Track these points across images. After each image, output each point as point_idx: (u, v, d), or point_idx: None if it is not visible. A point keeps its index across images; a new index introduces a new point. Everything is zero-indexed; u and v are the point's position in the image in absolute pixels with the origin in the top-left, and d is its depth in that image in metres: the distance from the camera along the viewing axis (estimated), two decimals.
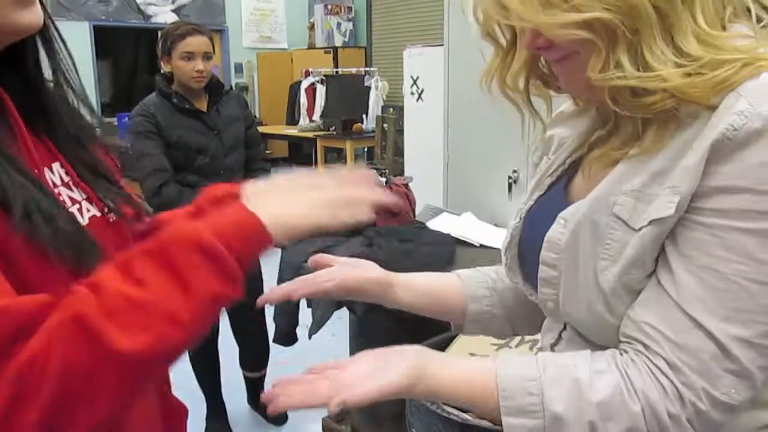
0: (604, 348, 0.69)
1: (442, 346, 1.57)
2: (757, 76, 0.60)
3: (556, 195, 0.81)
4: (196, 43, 2.36)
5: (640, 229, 0.64)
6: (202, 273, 0.56)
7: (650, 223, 0.64)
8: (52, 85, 0.72)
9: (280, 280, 2.50)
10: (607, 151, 0.71)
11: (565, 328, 0.79)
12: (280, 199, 0.65)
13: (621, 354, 0.66)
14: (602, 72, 0.64)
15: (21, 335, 0.51)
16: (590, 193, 0.71)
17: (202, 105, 2.49)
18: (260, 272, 2.59)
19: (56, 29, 0.72)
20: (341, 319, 2.27)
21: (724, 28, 0.65)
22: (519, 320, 0.95)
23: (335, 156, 8.64)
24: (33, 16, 0.63)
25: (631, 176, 0.67)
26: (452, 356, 0.70)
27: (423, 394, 0.68)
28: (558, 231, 0.73)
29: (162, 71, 2.47)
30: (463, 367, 0.69)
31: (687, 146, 0.63)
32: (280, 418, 2.82)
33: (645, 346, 0.64)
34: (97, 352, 0.51)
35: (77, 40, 7.87)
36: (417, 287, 0.92)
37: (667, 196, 0.63)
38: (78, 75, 0.75)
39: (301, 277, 0.87)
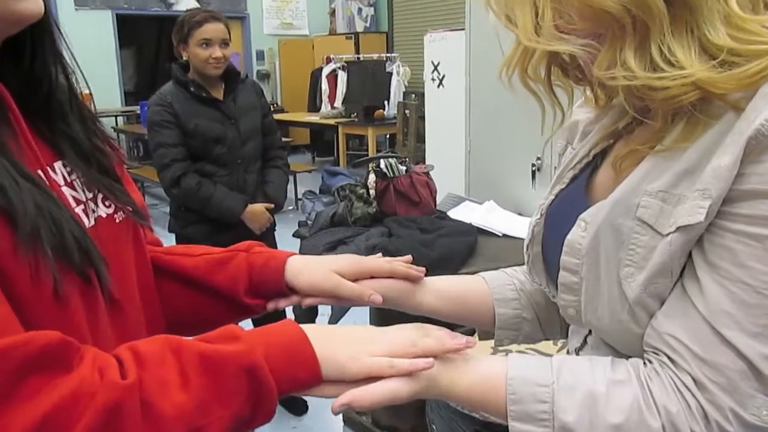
0: (628, 357, 0.65)
1: None
2: None
3: (577, 191, 0.77)
4: (213, 29, 2.34)
5: (667, 235, 0.60)
6: (242, 397, 0.57)
7: (678, 229, 0.59)
8: (53, 79, 0.69)
9: None
10: (634, 146, 0.67)
11: (590, 332, 0.75)
12: (344, 345, 0.64)
13: (645, 364, 0.62)
14: (609, 70, 0.60)
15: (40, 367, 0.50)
16: (611, 193, 0.66)
17: (219, 93, 2.47)
18: None
19: (55, 21, 0.69)
20: (362, 308, 2.24)
21: (765, 7, 0.59)
22: (550, 323, 0.90)
23: (357, 143, 8.62)
24: (32, 5, 0.60)
25: (656, 175, 0.62)
26: (466, 358, 0.67)
27: (436, 398, 0.65)
28: (579, 234, 0.69)
29: (180, 59, 2.46)
30: (476, 371, 0.66)
31: (718, 142, 0.58)
32: (301, 408, 2.82)
33: (671, 359, 0.60)
34: None
35: (100, 29, 7.94)
36: (440, 290, 0.88)
37: (697, 200, 0.58)
38: (80, 68, 0.72)
39: None
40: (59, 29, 0.68)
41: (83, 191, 0.67)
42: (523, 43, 0.63)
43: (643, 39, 0.58)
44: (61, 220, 0.57)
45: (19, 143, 0.61)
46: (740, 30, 0.57)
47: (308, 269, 0.82)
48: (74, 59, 0.71)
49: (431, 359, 0.64)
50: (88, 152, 0.70)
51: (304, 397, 2.84)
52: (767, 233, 0.55)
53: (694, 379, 0.58)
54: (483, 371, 0.66)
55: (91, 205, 0.67)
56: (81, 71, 0.72)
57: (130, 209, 0.73)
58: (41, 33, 0.67)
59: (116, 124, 8.06)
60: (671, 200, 0.60)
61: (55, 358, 0.51)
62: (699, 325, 0.58)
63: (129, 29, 8.85)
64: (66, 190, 0.65)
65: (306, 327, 0.63)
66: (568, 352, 0.83)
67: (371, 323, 2.43)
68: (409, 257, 0.87)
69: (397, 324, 0.70)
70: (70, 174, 0.67)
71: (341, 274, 0.81)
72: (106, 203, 0.70)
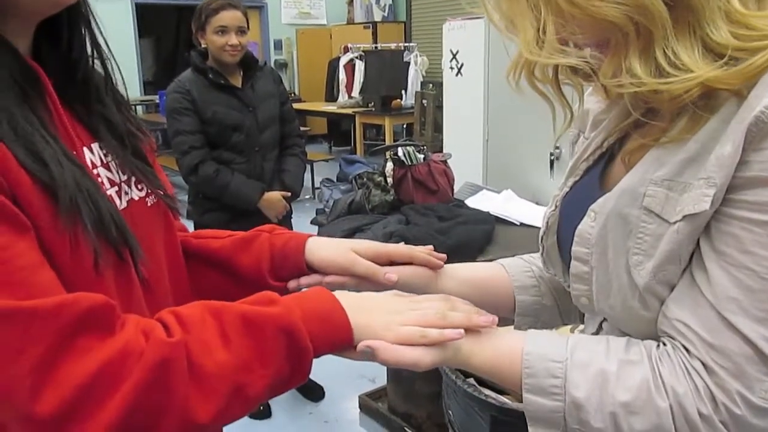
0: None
1: None
2: None
3: (591, 182, 0.77)
4: (229, 17, 2.35)
5: (674, 223, 0.60)
6: (281, 357, 0.59)
7: (684, 218, 0.59)
8: (90, 63, 0.70)
9: None
10: (645, 140, 0.67)
11: (605, 319, 0.75)
12: (376, 315, 0.67)
13: (658, 346, 0.63)
14: (614, 77, 0.60)
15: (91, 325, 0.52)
16: (618, 184, 0.67)
17: (237, 81, 2.48)
18: None
19: (89, 6, 0.70)
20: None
21: None
22: (569, 309, 0.90)
23: (374, 132, 8.61)
24: None
25: (661, 163, 0.62)
26: (486, 330, 0.70)
27: (455, 366, 0.68)
28: (588, 225, 0.69)
29: (199, 47, 2.47)
30: (495, 344, 0.69)
31: (721, 129, 0.58)
32: (318, 394, 2.84)
33: (682, 345, 0.61)
34: (173, 411, 0.53)
35: (119, 18, 7.99)
36: (461, 277, 0.89)
37: (701, 188, 0.58)
38: (112, 54, 0.73)
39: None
40: (94, 16, 0.69)
41: (118, 173, 0.69)
42: (525, 55, 0.63)
43: (647, 45, 0.58)
44: (98, 197, 0.59)
45: (55, 125, 0.62)
46: (742, 26, 0.57)
47: (326, 247, 0.83)
48: (109, 48, 0.72)
49: (461, 330, 0.66)
50: (123, 135, 0.71)
51: (321, 384, 2.87)
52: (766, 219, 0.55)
53: (703, 364, 0.58)
54: (502, 345, 0.68)
55: (125, 187, 0.69)
56: (116, 62, 0.73)
57: (162, 193, 0.75)
58: (77, 16, 0.68)
59: (135, 114, 8.10)
60: (677, 188, 0.60)
61: (101, 319, 0.53)
62: (706, 311, 0.59)
63: (148, 18, 8.90)
64: (101, 171, 0.66)
65: (339, 294, 0.66)
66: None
67: None
68: (430, 247, 0.88)
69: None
70: (105, 156, 0.68)
71: (359, 254, 0.82)
72: (139, 186, 0.71)
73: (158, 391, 0.52)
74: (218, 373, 0.55)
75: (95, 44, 0.70)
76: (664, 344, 0.63)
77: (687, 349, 0.60)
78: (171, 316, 0.58)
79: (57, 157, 0.56)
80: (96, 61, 0.70)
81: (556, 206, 0.82)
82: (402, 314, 0.67)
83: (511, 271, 0.91)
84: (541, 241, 0.84)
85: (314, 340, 0.61)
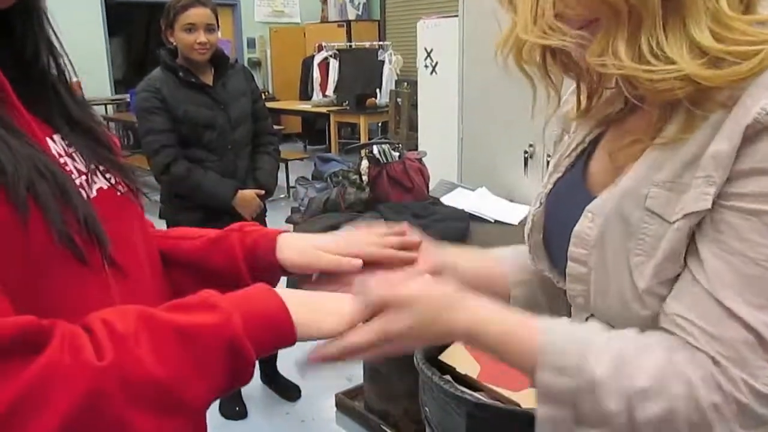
0: None
1: None
2: None
3: (576, 179, 0.78)
4: (197, 14, 2.32)
5: (674, 222, 0.61)
6: (221, 368, 0.58)
7: (685, 216, 0.60)
8: (44, 60, 0.69)
9: None
10: (630, 137, 0.68)
11: (592, 314, 0.76)
12: (319, 310, 0.66)
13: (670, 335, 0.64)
14: (600, 57, 0.61)
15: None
16: (617, 186, 0.68)
17: (208, 79, 2.45)
18: None
19: (43, 4, 0.68)
20: None
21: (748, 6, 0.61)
22: (557, 305, 0.91)
23: (349, 131, 8.58)
24: None
25: (661, 165, 0.63)
26: (495, 309, 0.69)
27: (455, 338, 0.68)
28: (586, 226, 0.70)
29: (168, 45, 2.44)
30: (507, 317, 0.68)
31: (717, 128, 0.59)
32: (294, 394, 2.82)
33: (684, 340, 0.61)
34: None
35: (89, 17, 7.85)
36: (465, 274, 0.89)
37: (701, 187, 0.59)
38: (65, 51, 0.72)
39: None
40: (46, 14, 0.68)
41: (83, 163, 0.67)
42: (519, 33, 0.64)
43: (636, 30, 0.59)
44: (65, 183, 0.58)
45: (14, 115, 0.60)
46: (728, 29, 0.58)
47: (289, 245, 0.81)
48: (62, 45, 0.70)
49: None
50: (84, 127, 0.70)
51: (297, 383, 2.85)
52: (765, 208, 0.56)
53: (707, 355, 0.59)
54: (513, 318, 0.67)
55: (92, 177, 0.67)
56: (69, 60, 0.72)
57: (130, 182, 0.73)
58: (29, 12, 0.66)
59: (106, 113, 7.99)
60: (677, 189, 0.62)
61: (25, 343, 0.50)
62: (705, 301, 0.59)
63: (118, 17, 8.75)
64: (67, 161, 0.65)
65: (282, 293, 0.64)
66: None
67: None
68: (403, 227, 0.86)
69: None
70: (68, 146, 0.67)
71: (324, 251, 0.80)
72: (107, 176, 0.70)
73: (90, 419, 0.50)
74: (155, 390, 0.53)
75: (48, 43, 0.68)
76: (671, 334, 0.63)
77: (688, 343, 0.60)
78: (103, 329, 0.54)
79: (10, 146, 0.55)
80: (51, 58, 0.69)
81: (540, 203, 0.82)
82: (345, 313, 0.67)
83: (510, 267, 0.92)
84: (528, 239, 0.85)
85: (256, 345, 0.60)
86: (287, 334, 0.62)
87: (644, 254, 0.64)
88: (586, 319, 0.77)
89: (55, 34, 0.69)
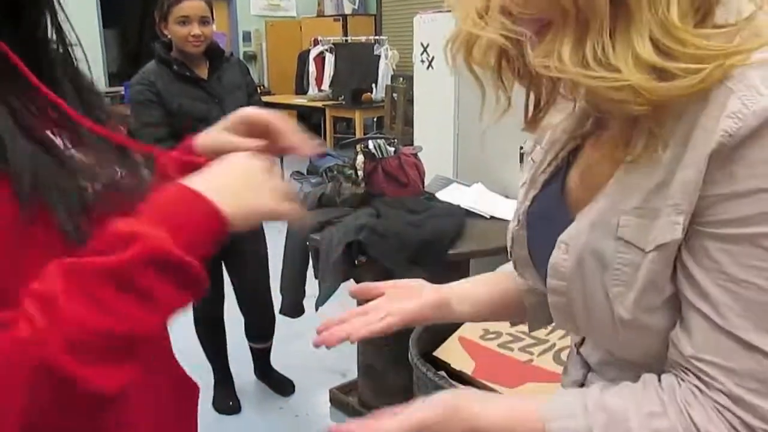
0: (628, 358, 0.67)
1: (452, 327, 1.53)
2: (744, 64, 0.54)
3: (554, 196, 0.75)
4: (191, 6, 2.30)
5: (648, 252, 0.59)
6: (168, 290, 0.55)
7: (657, 248, 0.59)
8: (56, 47, 0.69)
9: (286, 253, 2.47)
10: (600, 153, 0.66)
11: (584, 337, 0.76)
12: (240, 190, 0.64)
13: (679, 384, 0.61)
14: (545, 58, 0.58)
15: None
16: (586, 216, 0.66)
17: (203, 72, 2.43)
18: (265, 244, 2.57)
19: None
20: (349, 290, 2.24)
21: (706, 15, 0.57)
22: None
23: (344, 126, 8.57)
24: None
25: (630, 191, 0.61)
26: (492, 395, 0.70)
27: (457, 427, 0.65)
28: (561, 258, 0.68)
29: (162, 38, 2.42)
30: (507, 403, 0.68)
31: (683, 145, 0.57)
32: (288, 389, 2.82)
33: (702, 381, 0.59)
34: (75, 404, 0.51)
35: (83, 8, 7.79)
36: (476, 300, 0.90)
37: (671, 216, 0.57)
38: (79, 41, 0.71)
39: (356, 317, 0.84)
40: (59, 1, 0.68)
41: (90, 154, 0.67)
42: (461, 25, 0.61)
43: (582, 35, 0.57)
44: (65, 185, 0.58)
45: (28, 101, 0.60)
46: (679, 42, 0.54)
47: (204, 138, 0.86)
48: (74, 32, 0.70)
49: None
50: (96, 116, 0.69)
51: (291, 378, 2.85)
52: (760, 231, 0.54)
53: (728, 396, 0.57)
54: (516, 403, 0.67)
55: (105, 164, 0.67)
56: (82, 48, 0.72)
57: (142, 170, 0.73)
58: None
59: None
60: (648, 215, 0.60)
61: None
62: (718, 336, 0.57)
63: (112, 9, 8.70)
64: (74, 152, 0.65)
65: (193, 182, 0.61)
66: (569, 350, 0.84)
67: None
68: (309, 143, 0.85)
69: None
70: (78, 137, 0.66)
71: (232, 131, 0.84)
72: (115, 167, 0.69)
73: (44, 393, 0.49)
74: (107, 341, 0.52)
75: (59, 28, 0.68)
76: (683, 381, 0.60)
77: (706, 384, 0.58)
78: (30, 300, 0.51)
79: (17, 143, 0.55)
80: (60, 45, 0.69)
81: (519, 221, 0.80)
82: (266, 181, 0.66)
83: (513, 282, 0.92)
84: (511, 255, 0.83)
85: (193, 250, 0.56)
86: (220, 227, 0.60)
87: (623, 284, 0.61)
88: (582, 339, 0.77)
89: (69, 22, 0.69)
